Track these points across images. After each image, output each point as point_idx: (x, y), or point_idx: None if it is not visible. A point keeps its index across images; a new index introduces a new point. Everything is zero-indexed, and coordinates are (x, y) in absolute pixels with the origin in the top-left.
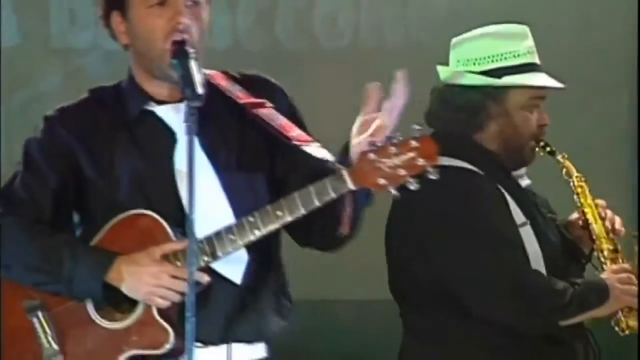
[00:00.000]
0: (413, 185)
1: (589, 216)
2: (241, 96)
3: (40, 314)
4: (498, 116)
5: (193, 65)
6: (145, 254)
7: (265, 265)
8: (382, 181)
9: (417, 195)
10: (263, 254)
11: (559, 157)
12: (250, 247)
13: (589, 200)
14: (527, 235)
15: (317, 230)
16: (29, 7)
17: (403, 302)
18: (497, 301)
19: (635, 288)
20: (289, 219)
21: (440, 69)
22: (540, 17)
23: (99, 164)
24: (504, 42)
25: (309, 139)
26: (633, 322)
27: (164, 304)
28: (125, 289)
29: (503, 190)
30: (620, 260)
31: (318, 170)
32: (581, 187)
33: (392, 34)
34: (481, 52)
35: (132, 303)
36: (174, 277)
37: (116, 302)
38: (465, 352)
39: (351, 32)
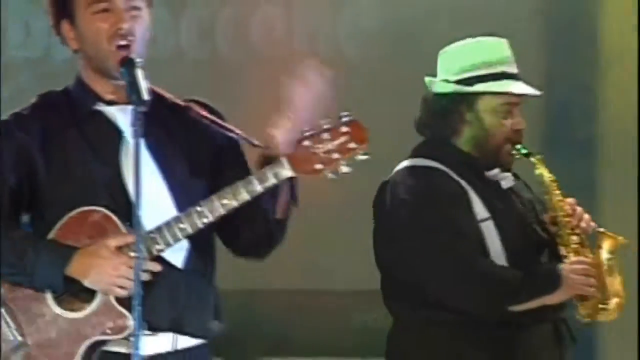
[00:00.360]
0: (346, 168)
1: (557, 213)
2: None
3: (2, 309)
4: (471, 121)
5: (139, 73)
6: (102, 246)
7: (203, 252)
8: (319, 166)
9: (392, 192)
10: (201, 241)
11: (533, 159)
12: (190, 236)
13: (558, 198)
14: (488, 229)
15: (248, 236)
16: None
17: (382, 290)
18: (449, 288)
19: (590, 280)
20: (234, 204)
21: (427, 79)
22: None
23: (52, 163)
24: (479, 54)
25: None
26: (584, 311)
27: (124, 293)
28: (87, 281)
29: (467, 188)
30: (584, 255)
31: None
32: (551, 186)
33: (324, 43)
34: (458, 62)
35: (90, 293)
36: (131, 267)
37: (75, 292)
38: (431, 336)
39: (288, 41)
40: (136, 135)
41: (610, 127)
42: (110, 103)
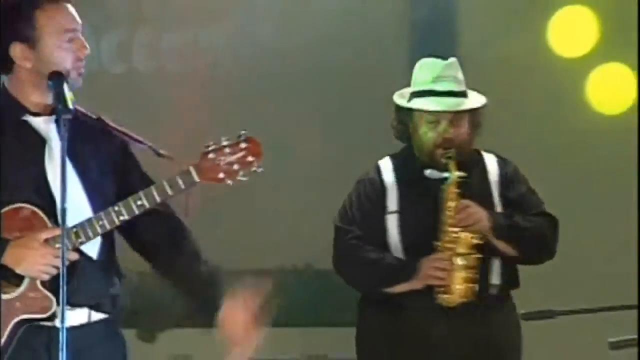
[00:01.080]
0: (245, 177)
1: (448, 212)
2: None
3: None
4: (413, 130)
5: (65, 86)
6: (32, 238)
7: (111, 244)
8: (221, 175)
9: None
10: (109, 236)
11: (450, 164)
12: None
13: (450, 197)
14: (391, 221)
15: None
16: None
17: None
18: (339, 269)
19: (438, 273)
20: (147, 205)
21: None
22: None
23: None
24: (420, 72)
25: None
26: (437, 295)
27: (47, 278)
28: (18, 269)
29: (389, 185)
30: (454, 250)
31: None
32: (449, 189)
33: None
34: (414, 78)
35: (19, 277)
36: (56, 257)
37: (7, 277)
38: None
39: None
40: (62, 139)
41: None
42: (35, 115)
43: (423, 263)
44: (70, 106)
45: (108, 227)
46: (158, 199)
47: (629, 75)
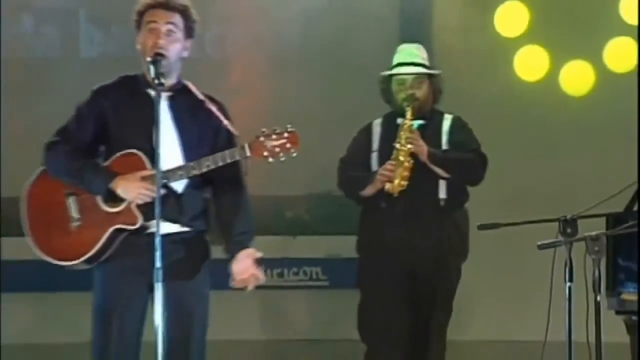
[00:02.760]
0: (283, 159)
1: (401, 136)
2: (202, 97)
3: (72, 198)
4: (391, 92)
5: (155, 65)
6: (134, 174)
7: (195, 186)
8: (266, 153)
9: None
10: (194, 180)
11: (407, 110)
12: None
13: (407, 127)
14: (374, 157)
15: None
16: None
17: None
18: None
19: (388, 172)
20: (212, 166)
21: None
22: None
23: (117, 119)
24: (397, 53)
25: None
26: (388, 185)
27: (141, 202)
28: (121, 193)
29: (375, 131)
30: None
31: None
32: (405, 125)
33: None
34: (393, 59)
35: (120, 199)
36: (147, 189)
37: (113, 197)
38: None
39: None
40: (157, 105)
41: None
42: (153, 88)
43: (380, 169)
44: (162, 80)
45: (185, 176)
46: (221, 162)
47: (545, 53)
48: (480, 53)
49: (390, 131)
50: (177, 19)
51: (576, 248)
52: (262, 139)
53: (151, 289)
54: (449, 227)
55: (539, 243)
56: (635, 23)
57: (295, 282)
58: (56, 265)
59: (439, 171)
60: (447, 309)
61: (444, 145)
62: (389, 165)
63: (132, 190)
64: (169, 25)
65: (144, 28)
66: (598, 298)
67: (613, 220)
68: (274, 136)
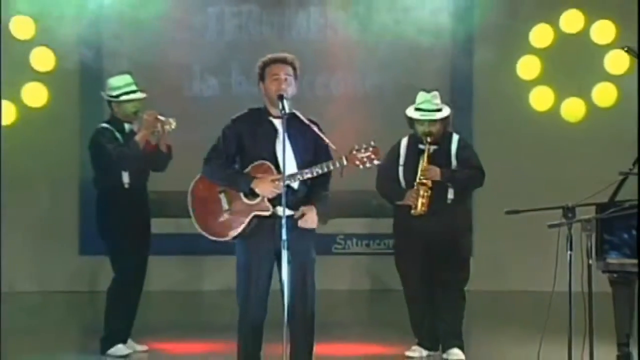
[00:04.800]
0: (369, 166)
1: (421, 168)
2: (307, 121)
3: (223, 194)
4: (414, 125)
5: (285, 102)
6: (266, 178)
7: (304, 184)
8: (357, 162)
9: None
10: (305, 181)
11: (426, 144)
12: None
13: (425, 160)
14: (401, 170)
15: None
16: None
17: None
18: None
19: (413, 199)
20: (320, 172)
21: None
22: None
23: (250, 141)
24: (418, 98)
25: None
26: (412, 211)
27: (271, 196)
28: (258, 190)
29: (402, 150)
30: (423, 192)
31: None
32: (425, 156)
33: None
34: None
35: (257, 195)
36: (276, 187)
37: (253, 194)
38: (394, 219)
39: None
40: (283, 128)
41: None
42: (274, 117)
43: (408, 191)
44: (287, 110)
45: (301, 179)
46: (325, 169)
47: (551, 92)
48: (507, 90)
49: (413, 150)
50: (290, 70)
51: (574, 227)
52: (355, 152)
53: (276, 254)
54: (455, 216)
55: (548, 224)
56: (618, 73)
57: (377, 250)
58: (199, 236)
59: (449, 184)
60: (463, 270)
61: (453, 163)
62: (412, 195)
63: (266, 189)
64: (286, 75)
65: (268, 77)
66: (590, 262)
67: (600, 207)
68: (362, 150)
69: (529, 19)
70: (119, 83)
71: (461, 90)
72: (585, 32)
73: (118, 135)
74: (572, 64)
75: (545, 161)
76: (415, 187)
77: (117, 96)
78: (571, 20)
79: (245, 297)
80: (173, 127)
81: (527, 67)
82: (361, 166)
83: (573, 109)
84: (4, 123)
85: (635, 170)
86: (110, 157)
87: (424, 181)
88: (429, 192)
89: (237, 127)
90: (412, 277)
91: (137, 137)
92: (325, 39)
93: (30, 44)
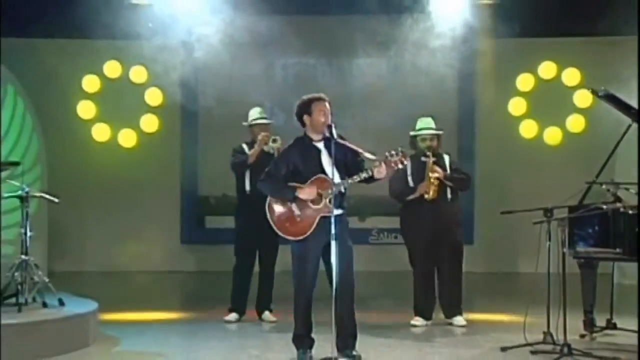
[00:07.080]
0: (398, 168)
1: (429, 170)
2: (340, 138)
3: (293, 204)
4: (418, 142)
5: (334, 131)
6: (309, 187)
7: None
8: (392, 165)
9: None
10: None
11: (429, 155)
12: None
13: (431, 165)
14: (409, 179)
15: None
16: None
17: None
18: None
19: (425, 188)
20: (358, 179)
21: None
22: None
23: (300, 162)
24: (419, 122)
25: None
26: (426, 196)
27: (311, 198)
28: (302, 197)
29: (408, 163)
30: (429, 182)
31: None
32: (431, 162)
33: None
34: (417, 124)
35: (321, 200)
36: (321, 195)
37: (317, 201)
38: (401, 210)
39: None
40: (328, 149)
41: None
42: (316, 141)
43: (420, 185)
44: (328, 135)
45: (343, 187)
46: (365, 175)
47: (535, 123)
48: (501, 123)
49: (417, 163)
50: (328, 105)
51: (553, 224)
52: (388, 157)
53: (326, 244)
54: (453, 211)
55: (533, 221)
56: (585, 107)
57: (401, 242)
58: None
59: (448, 183)
60: (460, 251)
61: (448, 170)
62: (425, 185)
63: (309, 194)
64: (327, 109)
65: (315, 110)
66: (564, 250)
67: (572, 209)
68: (394, 154)
69: (515, 69)
70: (254, 113)
71: (467, 123)
72: (558, 78)
73: (247, 151)
74: (550, 102)
75: (532, 174)
76: (426, 182)
77: (252, 122)
78: (547, 69)
79: (299, 278)
80: (279, 144)
81: (516, 105)
82: (395, 167)
83: (552, 136)
84: (128, 145)
85: (598, 181)
86: (231, 167)
87: (431, 176)
88: (436, 182)
89: (288, 154)
90: (421, 257)
91: (250, 151)
92: (364, 83)
93: (144, 86)
